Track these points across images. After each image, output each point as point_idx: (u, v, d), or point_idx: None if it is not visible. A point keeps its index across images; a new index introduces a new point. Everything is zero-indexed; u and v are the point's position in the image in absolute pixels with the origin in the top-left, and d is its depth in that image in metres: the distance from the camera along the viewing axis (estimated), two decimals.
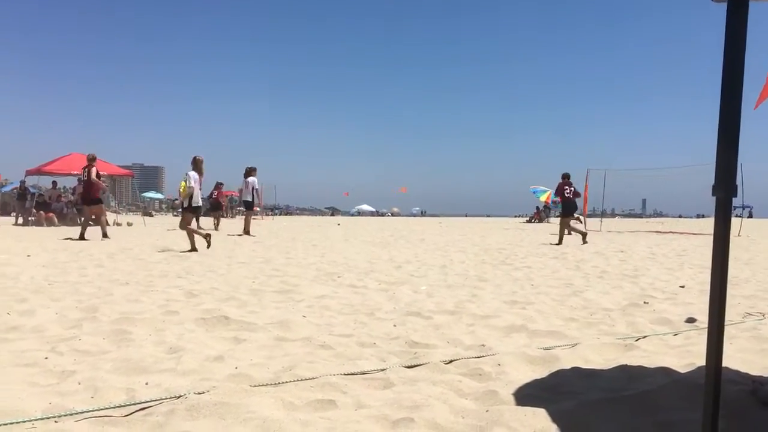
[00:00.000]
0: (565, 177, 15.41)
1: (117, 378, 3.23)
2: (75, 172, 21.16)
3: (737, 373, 3.33)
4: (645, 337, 4.38)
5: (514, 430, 2.52)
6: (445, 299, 6.01)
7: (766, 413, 2.69)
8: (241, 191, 18.18)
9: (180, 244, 13.01)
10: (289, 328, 4.54)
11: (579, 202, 17.20)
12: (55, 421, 2.59)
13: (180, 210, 12.07)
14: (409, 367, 3.48)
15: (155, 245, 12.71)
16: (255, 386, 3.03)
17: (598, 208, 29.55)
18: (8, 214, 31.41)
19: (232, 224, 24.47)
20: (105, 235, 14.44)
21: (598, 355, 3.86)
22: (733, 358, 3.59)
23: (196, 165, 11.71)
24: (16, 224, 23.83)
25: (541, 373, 3.44)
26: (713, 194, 1.88)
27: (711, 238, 1.93)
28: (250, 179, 17.61)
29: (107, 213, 26.98)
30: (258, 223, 28.06)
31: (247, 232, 17.12)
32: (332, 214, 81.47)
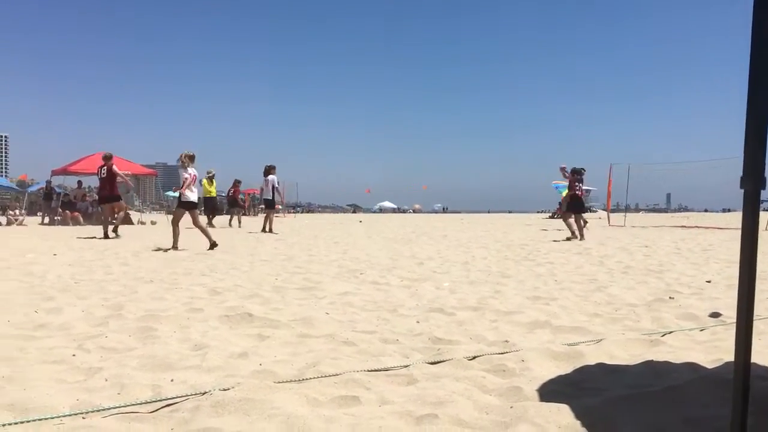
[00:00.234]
0: (575, 173, 15.21)
1: (143, 375, 3.27)
2: (93, 172, 21.41)
3: (766, 369, 3.28)
4: (671, 332, 4.33)
5: (538, 426, 2.51)
6: (468, 295, 6.00)
7: None
8: (262, 189, 18.24)
9: (204, 243, 13.11)
10: (312, 324, 4.55)
11: (593, 198, 16.99)
12: (83, 418, 2.63)
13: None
14: (432, 363, 3.48)
15: (179, 243, 12.80)
16: (279, 383, 3.05)
17: (622, 203, 29.28)
18: (35, 213, 31.90)
19: (255, 222, 24.60)
20: (115, 231, 14.48)
21: (623, 350, 3.82)
22: (761, 354, 3.54)
23: (191, 160, 11.64)
24: (42, 223, 24.21)
25: (565, 369, 3.41)
26: (741, 187, 1.85)
27: (738, 232, 1.90)
28: (270, 177, 17.68)
29: (131, 212, 27.28)
30: (280, 221, 28.23)
31: (269, 230, 17.22)
32: (354, 212, 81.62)
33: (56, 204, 25.16)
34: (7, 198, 38.14)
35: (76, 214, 23.52)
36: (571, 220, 14.76)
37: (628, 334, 4.25)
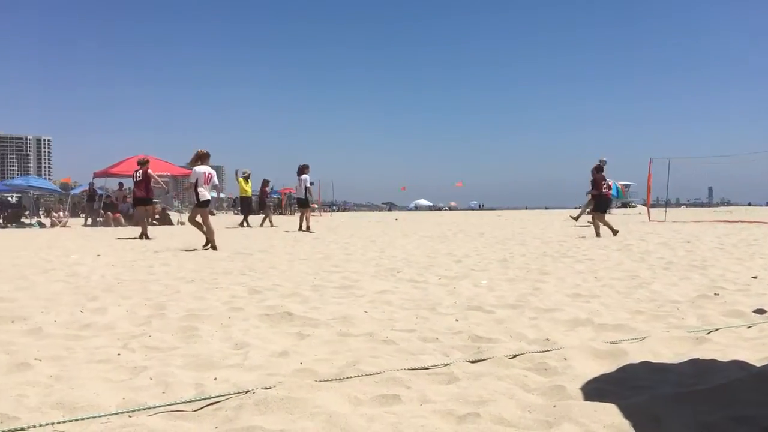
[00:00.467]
0: (600, 170, 15.00)
1: (186, 373, 3.31)
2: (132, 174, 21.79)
3: None
4: (717, 329, 4.23)
5: (583, 425, 2.47)
6: (507, 293, 5.95)
7: None
8: (296, 189, 18.39)
9: (241, 242, 13.26)
10: (351, 323, 4.57)
11: (632, 194, 16.64)
12: (129, 416, 2.67)
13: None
14: (473, 361, 3.46)
15: (218, 243, 12.96)
16: (320, 381, 3.06)
17: (662, 197, 28.76)
18: (78, 215, 32.62)
19: (292, 221, 24.77)
20: (146, 236, 14.69)
21: (667, 348, 3.75)
22: None
23: (201, 159, 11.64)
24: (85, 225, 24.75)
25: (608, 367, 3.36)
26: None
27: None
28: (303, 177, 17.79)
29: (170, 213, 27.71)
30: (316, 220, 28.39)
31: (306, 228, 17.32)
32: (389, 210, 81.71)
33: (98, 206, 25.69)
34: (50, 200, 39.09)
35: (118, 215, 23.98)
36: (606, 218, 14.54)
37: (672, 331, 4.17)
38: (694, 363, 3.39)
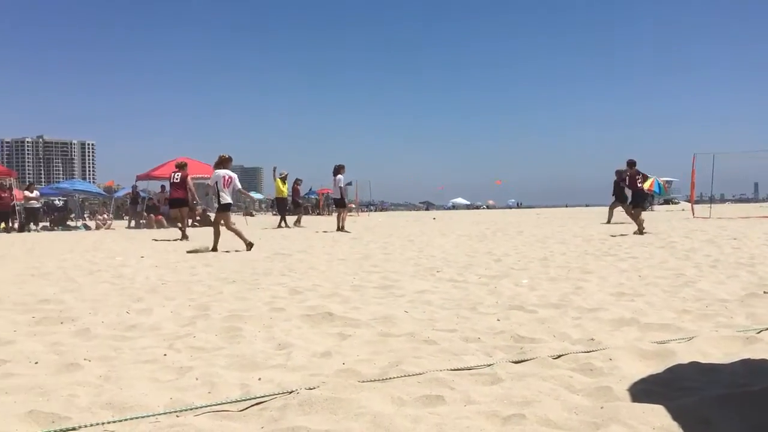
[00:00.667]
0: (633, 165, 14.73)
1: (231, 373, 3.35)
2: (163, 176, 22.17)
3: None
4: (767, 329, 4.12)
5: (632, 427, 2.43)
6: (549, 292, 5.89)
7: None
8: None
9: (280, 243, 13.37)
10: (392, 323, 4.57)
11: (675, 190, 16.25)
12: (177, 416, 2.71)
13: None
14: (516, 362, 3.43)
15: (258, 244, 13.10)
16: (363, 382, 3.07)
17: (707, 193, 28.13)
18: (121, 217, 33.29)
19: (330, 222, 24.89)
20: (185, 237, 14.92)
21: (716, 348, 3.67)
22: None
23: (222, 163, 11.75)
24: (128, 227, 25.23)
25: (656, 368, 3.30)
26: None
27: None
28: (338, 177, 17.89)
29: (210, 214, 28.04)
30: (354, 220, 28.47)
31: (341, 228, 17.40)
32: (427, 209, 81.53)
33: (141, 208, 26.17)
34: (95, 203, 39.97)
35: (160, 217, 24.39)
36: (642, 216, 14.28)
37: (721, 331, 4.07)
38: (745, 363, 3.31)
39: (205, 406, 2.80)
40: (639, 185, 14.77)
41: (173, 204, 15.63)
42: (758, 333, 3.98)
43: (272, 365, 3.52)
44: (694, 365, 3.31)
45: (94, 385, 3.17)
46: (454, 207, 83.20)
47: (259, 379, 3.25)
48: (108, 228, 24.27)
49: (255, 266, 8.62)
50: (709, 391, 2.83)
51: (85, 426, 2.57)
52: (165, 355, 3.77)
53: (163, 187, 26.71)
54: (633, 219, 14.30)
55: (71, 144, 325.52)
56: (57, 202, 35.85)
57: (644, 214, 15.13)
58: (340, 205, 18.39)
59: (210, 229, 11.77)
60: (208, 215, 26.84)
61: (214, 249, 11.35)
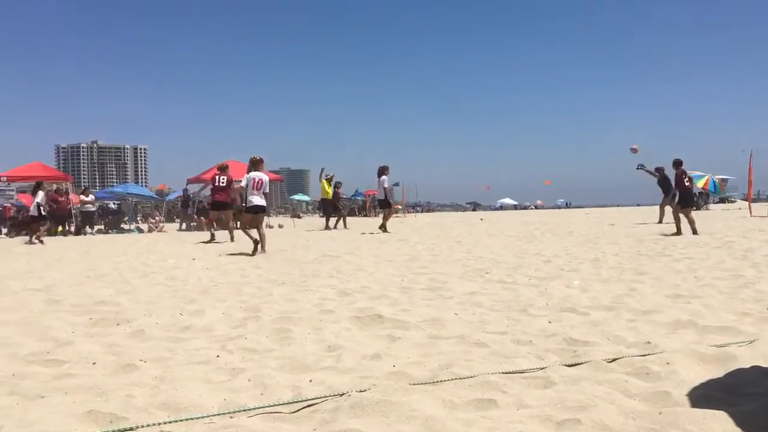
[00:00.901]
0: (679, 165, 14.34)
1: (283, 375, 3.38)
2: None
3: None
4: None
5: None
6: (601, 294, 5.78)
7: None
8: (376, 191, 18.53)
9: (327, 244, 13.45)
10: (441, 325, 4.54)
11: (730, 188, 15.72)
12: (230, 417, 2.75)
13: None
14: (569, 365, 3.37)
15: (306, 246, 13.21)
16: (414, 384, 3.05)
17: (764, 191, 27.26)
18: (172, 220, 33.97)
19: (377, 223, 24.94)
20: (231, 239, 15.13)
21: None
22: None
23: (253, 165, 11.77)
24: (180, 229, 25.71)
25: (715, 372, 3.20)
26: None
27: None
28: (382, 178, 17.91)
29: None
30: (401, 221, 28.47)
31: (382, 229, 17.41)
32: (474, 209, 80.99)
33: (192, 211, 26.64)
34: (147, 206, 40.86)
35: (210, 220, 24.80)
36: (692, 216, 13.88)
37: None
38: None
39: (258, 408, 2.83)
40: (687, 185, 14.39)
41: (216, 207, 15.86)
42: None
43: (323, 367, 3.54)
44: (757, 370, 3.21)
45: (150, 385, 3.24)
46: (502, 207, 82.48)
47: (310, 381, 3.26)
48: (160, 230, 24.79)
49: (303, 268, 8.69)
50: None
51: (143, 426, 2.62)
52: (218, 356, 3.83)
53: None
54: (676, 221, 13.88)
55: (124, 149, 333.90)
56: (111, 205, 36.81)
57: (699, 214, 14.73)
58: (384, 206, 18.43)
59: (262, 232, 11.86)
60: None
61: (256, 250, 11.34)
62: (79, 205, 25.07)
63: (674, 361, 3.34)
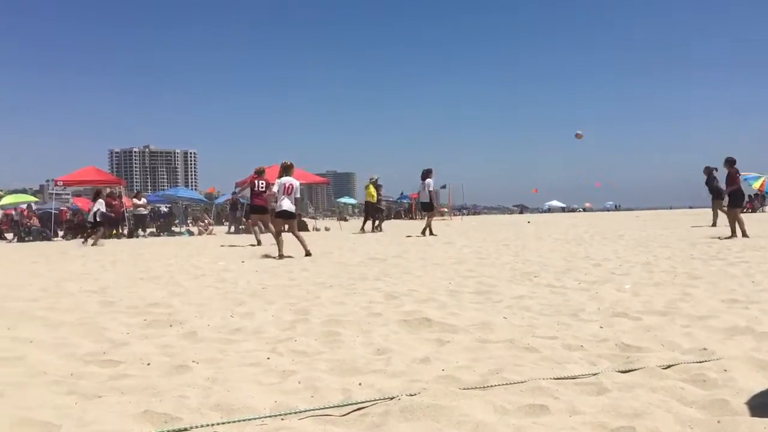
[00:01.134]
0: (732, 163, 13.92)
1: (332, 378, 3.40)
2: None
3: None
4: None
5: None
6: (654, 298, 5.65)
7: None
8: (419, 193, 18.51)
9: (373, 247, 13.48)
10: (490, 329, 4.51)
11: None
12: (282, 419, 2.78)
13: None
14: (623, 371, 3.30)
15: (352, 249, 13.27)
16: (464, 389, 3.03)
17: None
18: (222, 223, 34.52)
19: (422, 225, 24.90)
20: (259, 242, 15.27)
21: None
22: None
23: (285, 170, 11.93)
24: (228, 232, 26.11)
25: None
26: None
27: None
28: (427, 181, 17.90)
29: (305, 219, 28.64)
30: (447, 224, 28.38)
31: (427, 232, 17.39)
32: (521, 212, 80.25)
33: (241, 214, 27.03)
34: (197, 209, 41.62)
35: (253, 223, 25.12)
36: (741, 217, 13.46)
37: None
38: None
39: (309, 410, 2.85)
40: (738, 185, 13.99)
41: (255, 211, 16.05)
42: None
43: (372, 370, 3.54)
44: None
45: (203, 386, 3.29)
46: (550, 210, 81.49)
47: (360, 384, 3.28)
48: (210, 233, 25.23)
49: (350, 271, 8.73)
50: None
51: (197, 427, 2.67)
52: (268, 358, 3.87)
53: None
54: (730, 221, 13.50)
55: (175, 153, 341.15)
56: (162, 208, 37.61)
57: (754, 216, 14.29)
58: (428, 209, 18.44)
59: (305, 234, 11.99)
60: (303, 220, 27.45)
61: (282, 256, 11.25)
62: (131, 208, 25.70)
63: (732, 368, 3.26)
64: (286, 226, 11.92)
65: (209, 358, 3.88)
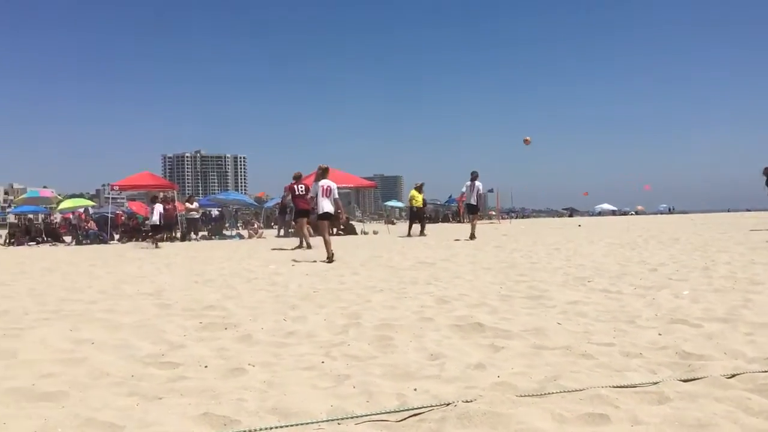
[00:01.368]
0: None
1: (387, 383, 3.40)
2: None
3: None
4: None
5: None
6: (714, 305, 5.49)
7: None
8: (466, 195, 18.40)
9: (423, 251, 13.45)
10: (545, 335, 4.45)
11: None
12: (338, 423, 2.78)
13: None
14: (685, 380, 3.22)
15: (401, 252, 13.27)
16: (521, 396, 3.00)
17: None
18: (271, 226, 34.95)
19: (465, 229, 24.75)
20: (308, 246, 15.31)
21: None
22: None
23: (322, 173, 12.21)
24: (278, 236, 26.39)
25: None
26: None
27: None
28: (476, 183, 17.83)
29: (353, 223, 28.74)
30: (495, 227, 28.16)
31: (472, 236, 17.30)
32: (570, 215, 79.03)
33: (290, 217, 27.30)
34: (247, 213, 42.23)
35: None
36: None
37: None
38: None
39: (365, 416, 2.85)
40: None
41: (299, 215, 16.19)
42: None
43: (426, 376, 3.53)
44: None
45: (259, 390, 3.33)
46: (601, 213, 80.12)
47: (415, 389, 3.26)
48: (260, 237, 25.55)
49: (401, 275, 8.72)
50: None
51: (256, 430, 2.69)
52: (322, 362, 3.89)
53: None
54: None
55: (225, 158, 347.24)
56: (214, 212, 38.26)
57: None
58: (473, 211, 18.40)
59: (354, 238, 12.07)
60: (352, 224, 27.58)
61: (331, 257, 11.35)
62: (184, 212, 26.21)
63: None
64: (334, 229, 12.08)
65: (264, 362, 3.93)
